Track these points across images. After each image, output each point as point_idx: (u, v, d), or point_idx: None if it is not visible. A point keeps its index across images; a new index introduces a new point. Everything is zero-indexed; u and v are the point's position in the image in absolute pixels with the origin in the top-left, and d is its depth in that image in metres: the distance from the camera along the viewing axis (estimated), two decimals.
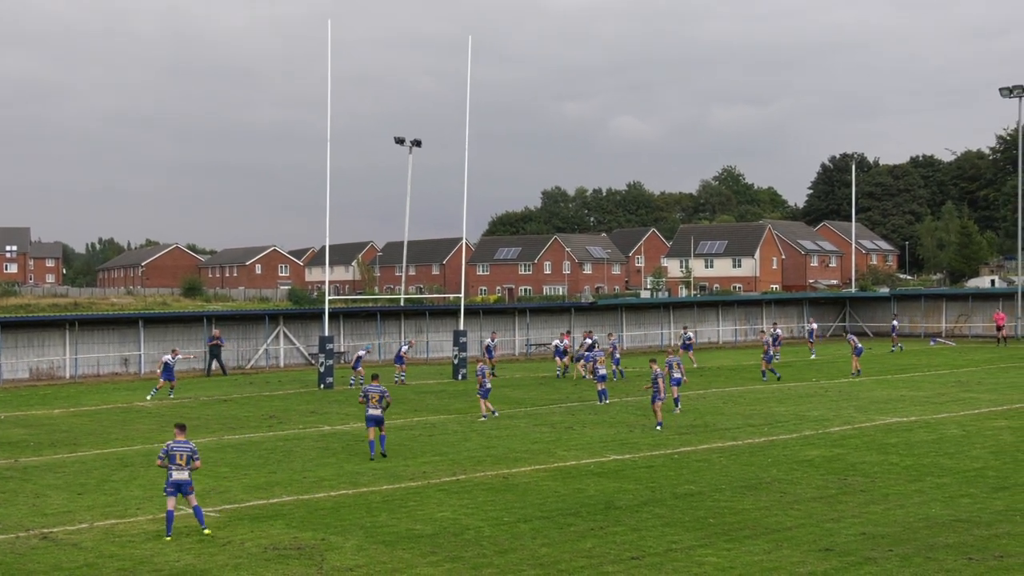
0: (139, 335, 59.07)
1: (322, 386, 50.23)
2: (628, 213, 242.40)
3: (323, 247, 70.31)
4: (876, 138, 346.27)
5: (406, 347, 53.51)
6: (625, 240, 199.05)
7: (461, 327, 56.56)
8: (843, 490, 25.02)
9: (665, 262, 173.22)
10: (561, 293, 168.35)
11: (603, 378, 43.81)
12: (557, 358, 55.67)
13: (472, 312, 68.39)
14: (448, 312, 68.89)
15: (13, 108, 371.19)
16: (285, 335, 63.34)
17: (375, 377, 31.78)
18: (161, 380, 46.16)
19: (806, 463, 28.64)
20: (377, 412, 30.25)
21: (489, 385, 38.51)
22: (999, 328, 70.65)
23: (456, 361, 55.11)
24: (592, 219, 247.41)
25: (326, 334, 52.85)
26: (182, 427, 22.77)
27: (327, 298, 55.05)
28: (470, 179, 56.51)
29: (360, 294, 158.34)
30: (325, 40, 51.47)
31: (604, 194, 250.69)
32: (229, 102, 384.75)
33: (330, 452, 31.67)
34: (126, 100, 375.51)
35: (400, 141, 63.51)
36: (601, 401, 42.72)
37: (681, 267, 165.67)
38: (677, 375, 40.07)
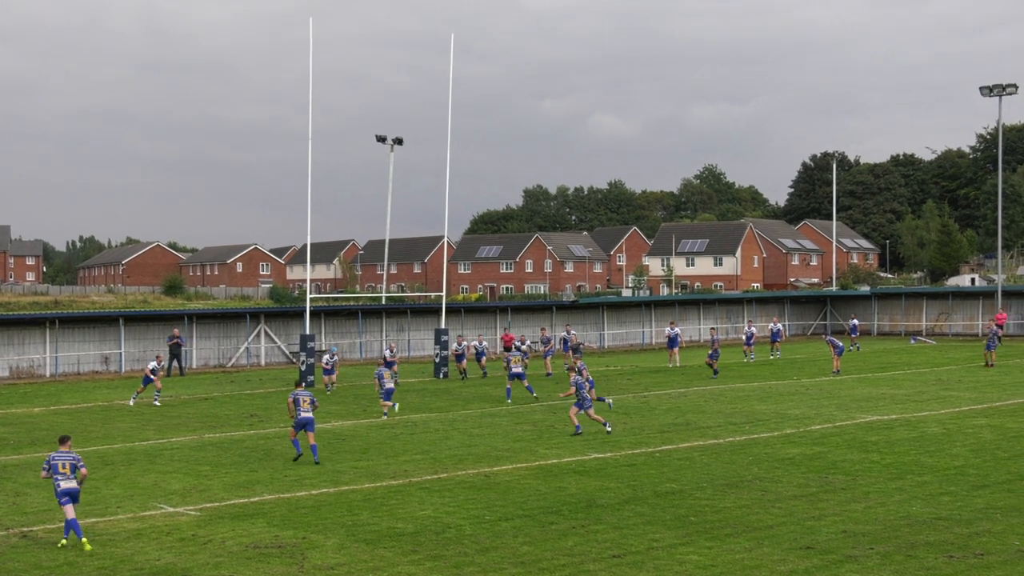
0: (120, 333, 58.92)
1: (303, 385, 50.11)
2: (609, 212, 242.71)
3: (305, 245, 70.31)
4: (856, 136, 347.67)
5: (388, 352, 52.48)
6: (606, 239, 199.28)
7: (443, 325, 56.53)
8: (824, 488, 25.06)
9: (647, 260, 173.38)
10: (543, 291, 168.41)
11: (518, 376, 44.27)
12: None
13: (454, 310, 68.36)
14: (430, 311, 68.83)
15: None
16: (266, 333, 63.25)
17: (299, 383, 32.51)
18: (143, 385, 44.78)
19: (787, 461, 28.68)
20: (309, 415, 29.95)
21: (390, 385, 39.39)
22: (1000, 327, 69.46)
23: (438, 359, 55.06)
24: (574, 217, 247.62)
25: (307, 332, 52.76)
26: (64, 439, 22.43)
27: (308, 296, 54.94)
28: (451, 177, 56.40)
29: (342, 292, 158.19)
30: (303, 36, 51.69)
31: (585, 192, 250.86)
32: (208, 98, 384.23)
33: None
34: (104, 96, 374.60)
35: (382, 139, 63.26)
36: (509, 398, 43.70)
37: (663, 265, 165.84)
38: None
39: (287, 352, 63.15)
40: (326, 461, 29.63)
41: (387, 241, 76.94)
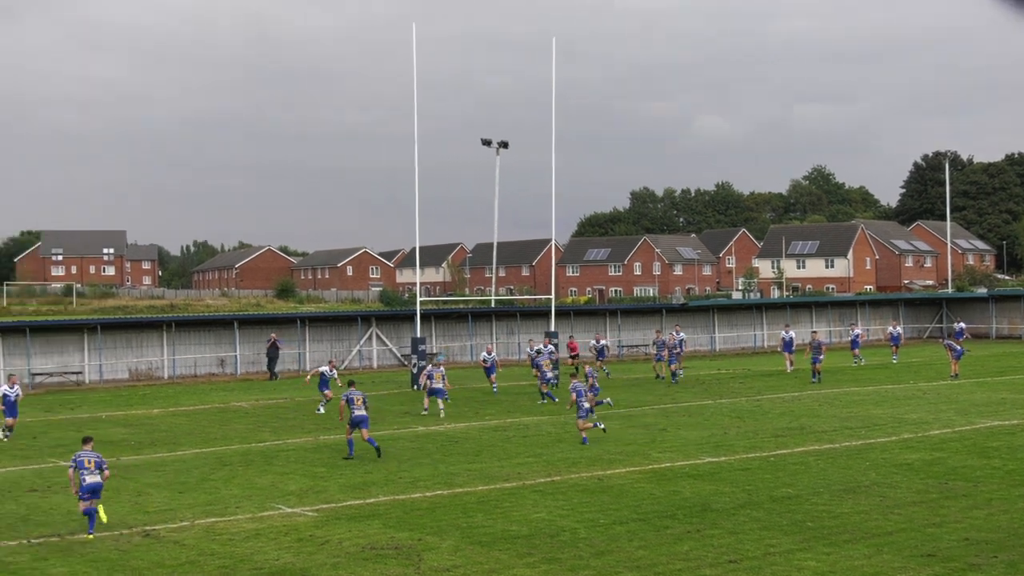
0: (234, 336, 59.75)
1: (415, 387, 50.39)
2: (717, 213, 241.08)
3: (414, 249, 70.58)
4: (968, 135, 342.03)
5: (485, 354, 50.88)
6: (715, 241, 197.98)
7: (552, 328, 56.56)
8: (944, 495, 24.68)
9: (756, 263, 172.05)
10: (652, 294, 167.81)
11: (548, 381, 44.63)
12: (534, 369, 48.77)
13: (563, 313, 68.39)
14: (539, 313, 68.91)
15: (105, 112, 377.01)
16: (378, 336, 63.73)
17: (352, 384, 32.83)
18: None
19: (905, 467, 28.31)
20: (362, 413, 31.15)
21: (587, 405, 34.34)
22: None
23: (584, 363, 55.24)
24: (681, 220, 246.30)
25: (418, 335, 53.07)
26: (87, 440, 23.67)
27: (418, 299, 55.34)
28: (557, 180, 56.40)
29: (451, 295, 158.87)
30: (406, 41, 51.74)
31: (693, 194, 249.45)
32: (315, 103, 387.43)
33: (425, 452, 31.82)
34: (214, 102, 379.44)
35: (487, 143, 63.42)
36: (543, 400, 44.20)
37: (773, 268, 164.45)
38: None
39: (398, 355, 63.57)
40: (439, 463, 29.82)
41: (495, 244, 77.24)
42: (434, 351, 57.60)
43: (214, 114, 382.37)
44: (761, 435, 34.25)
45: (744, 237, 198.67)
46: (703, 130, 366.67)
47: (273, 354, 57.61)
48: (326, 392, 41.77)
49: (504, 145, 64.43)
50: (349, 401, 31.53)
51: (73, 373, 55.30)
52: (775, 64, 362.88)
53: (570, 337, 60.16)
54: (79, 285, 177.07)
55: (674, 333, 55.08)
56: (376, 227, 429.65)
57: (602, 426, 34.06)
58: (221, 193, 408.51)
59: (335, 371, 43.71)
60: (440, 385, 40.14)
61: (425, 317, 62.40)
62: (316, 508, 24.27)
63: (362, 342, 63.21)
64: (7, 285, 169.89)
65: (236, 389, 51.88)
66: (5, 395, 35.04)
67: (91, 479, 22.46)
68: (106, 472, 23.02)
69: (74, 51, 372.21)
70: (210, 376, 58.44)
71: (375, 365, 63.28)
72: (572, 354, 56.38)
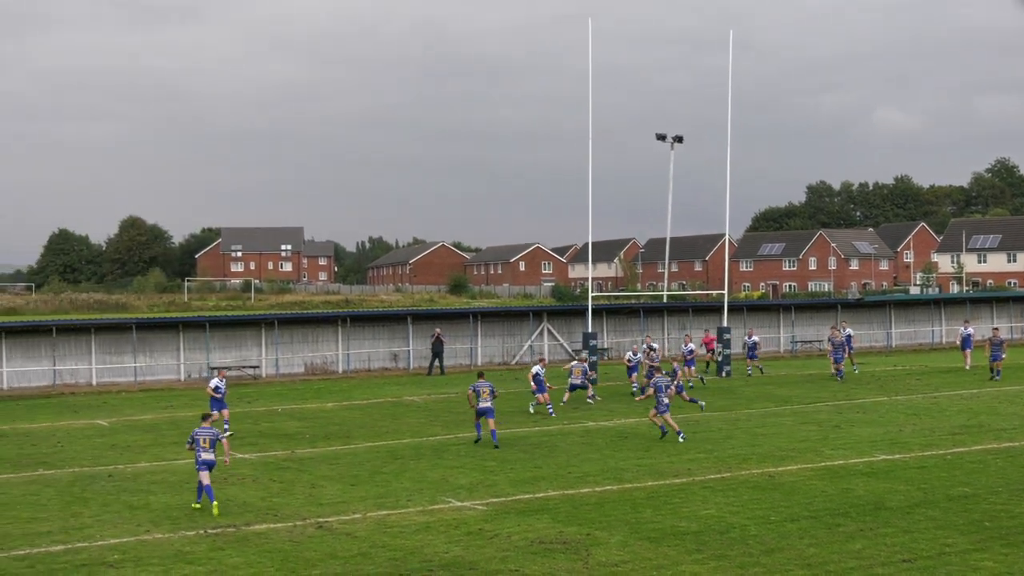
0: (408, 331, 60.44)
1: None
2: (896, 207, 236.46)
3: (586, 244, 70.72)
4: None
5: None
6: (893, 235, 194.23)
7: (725, 324, 56.08)
8: None
9: (935, 257, 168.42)
10: (827, 289, 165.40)
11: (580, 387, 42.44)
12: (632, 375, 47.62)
13: (736, 309, 67.78)
14: (711, 309, 68.42)
15: (283, 110, 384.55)
16: (549, 331, 63.88)
17: (481, 375, 34.84)
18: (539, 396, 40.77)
19: None
20: (487, 404, 32.59)
21: (667, 400, 33.26)
22: None
23: (719, 358, 54.63)
24: (858, 214, 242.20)
25: (590, 330, 53.06)
26: (206, 416, 25.99)
27: (590, 295, 55.24)
28: (732, 174, 55.86)
29: (622, 291, 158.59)
30: (579, 38, 51.61)
31: (870, 188, 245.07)
32: (487, 100, 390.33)
33: (594, 447, 31.82)
34: (387, 100, 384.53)
35: (662, 138, 63.04)
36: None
37: (952, 262, 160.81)
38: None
39: (569, 350, 63.63)
40: (608, 458, 29.81)
41: (668, 239, 76.73)
42: (599, 344, 57.43)
43: (389, 112, 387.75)
44: (938, 433, 33.53)
45: (923, 231, 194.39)
46: (881, 122, 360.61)
47: (438, 349, 58.03)
48: (539, 396, 40.49)
49: (679, 140, 63.99)
50: (476, 392, 32.95)
51: (251, 367, 56.51)
52: (955, 54, 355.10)
53: (706, 331, 59.63)
54: (257, 281, 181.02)
55: (840, 329, 53.83)
56: (549, 223, 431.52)
57: (667, 432, 33.14)
58: (396, 190, 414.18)
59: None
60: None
61: (597, 312, 62.34)
62: (486, 502, 24.43)
63: (533, 337, 63.43)
64: (188, 281, 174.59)
65: (409, 383, 52.49)
66: (217, 387, 35.84)
67: (205, 456, 24.49)
68: (224, 440, 25.45)
69: (254, 51, 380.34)
70: (383, 370, 59.19)
71: (546, 360, 63.36)
72: (708, 350, 55.57)
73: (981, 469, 27.37)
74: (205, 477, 24.41)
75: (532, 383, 40.08)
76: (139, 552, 20.43)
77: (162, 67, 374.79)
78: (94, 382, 53.38)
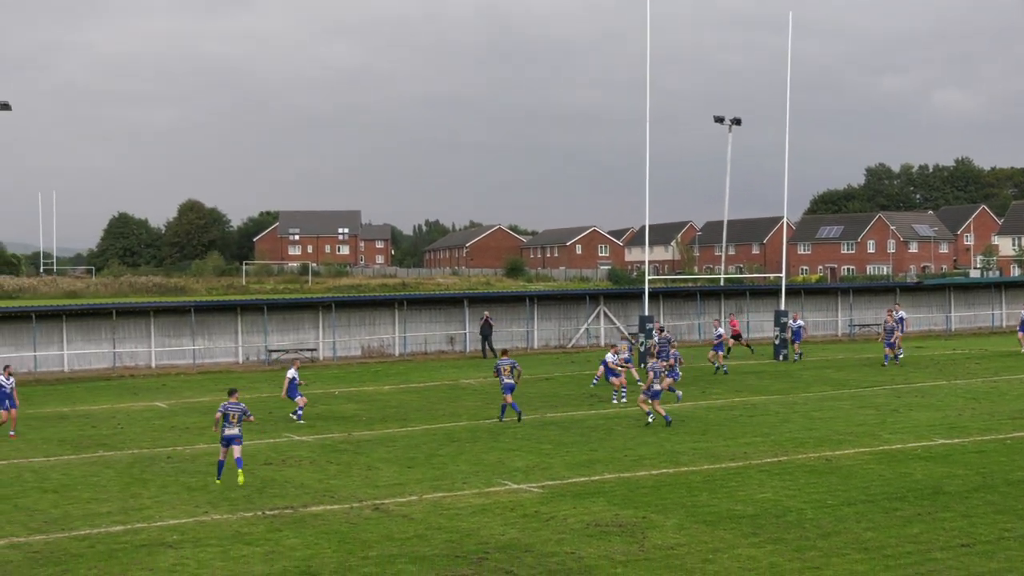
0: (464, 314, 60.56)
1: (642, 365, 50.32)
2: (956, 190, 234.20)
3: (643, 227, 70.55)
4: None
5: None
6: (953, 218, 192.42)
7: (782, 307, 55.80)
8: None
9: (996, 240, 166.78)
10: (885, 273, 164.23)
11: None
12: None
13: (793, 292, 67.45)
14: (769, 292, 68.12)
15: (340, 95, 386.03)
16: (605, 315, 63.82)
17: (505, 352, 36.32)
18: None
19: None
20: (510, 381, 34.06)
21: (658, 387, 33.45)
22: None
23: (777, 341, 54.35)
24: (918, 196, 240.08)
25: (646, 314, 52.97)
26: (233, 391, 26.65)
27: (647, 278, 55.12)
28: (790, 157, 55.49)
29: (679, 274, 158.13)
30: (636, 20, 51.53)
31: (930, 170, 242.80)
32: (544, 83, 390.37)
33: (650, 431, 31.76)
34: (447, 84, 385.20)
35: (720, 120, 62.77)
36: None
37: (1013, 245, 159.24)
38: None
39: (626, 333, 63.54)
40: (664, 441, 29.77)
41: (725, 222, 76.43)
42: (654, 328, 57.13)
43: (447, 95, 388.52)
44: (997, 417, 33.24)
45: (983, 214, 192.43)
46: (942, 103, 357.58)
47: (486, 332, 58.06)
48: (612, 380, 40.21)
49: (737, 122, 63.71)
50: (498, 370, 34.41)
51: (308, 350, 56.80)
52: (1018, 34, 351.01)
53: (730, 315, 59.22)
54: (315, 264, 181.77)
55: (893, 312, 52.96)
56: (605, 206, 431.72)
57: (652, 418, 32.81)
58: (453, 172, 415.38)
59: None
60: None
61: (653, 295, 62.18)
62: (541, 484, 24.47)
63: (590, 320, 63.41)
64: (246, 264, 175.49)
65: (465, 366, 52.60)
66: (293, 378, 36.03)
67: (229, 431, 25.62)
68: (250, 417, 26.30)
69: (315, 35, 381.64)
70: (440, 353, 59.34)
71: (602, 343, 63.29)
72: (734, 334, 54.76)
73: None
74: (223, 453, 25.73)
75: (601, 367, 40.73)
76: (198, 533, 20.61)
77: (223, 52, 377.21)
78: (153, 364, 53.86)
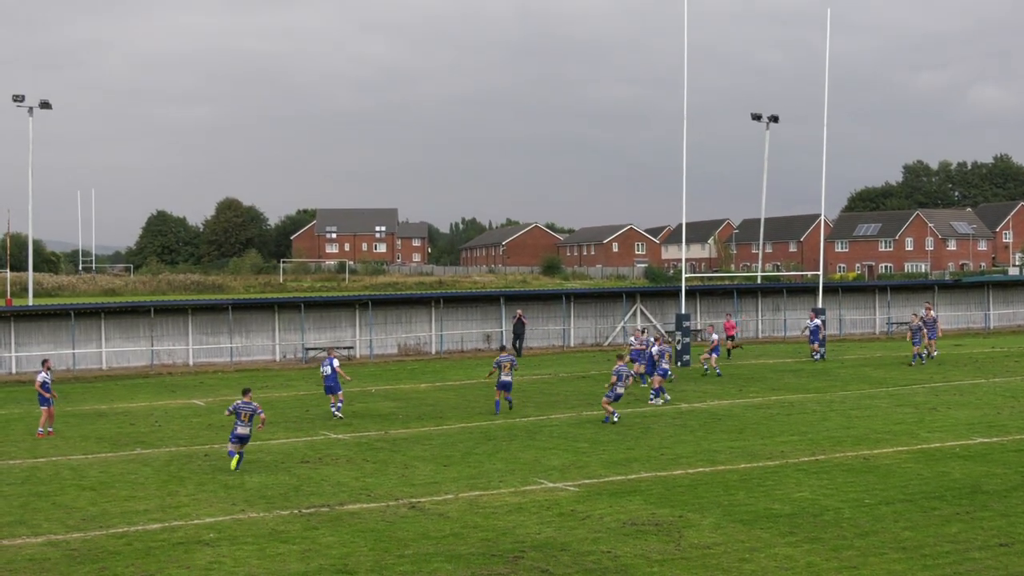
0: (500, 312, 60.57)
1: (679, 364, 50.26)
2: (995, 187, 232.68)
3: (679, 225, 70.49)
4: None
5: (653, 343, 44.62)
6: (992, 215, 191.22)
7: (819, 305, 55.55)
8: None
9: None
10: (923, 270, 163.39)
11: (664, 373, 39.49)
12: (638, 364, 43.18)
13: (830, 290, 67.20)
14: (806, 290, 67.87)
15: (378, 92, 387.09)
16: (642, 312, 63.71)
17: (503, 348, 39.11)
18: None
19: None
20: (508, 379, 35.63)
21: (621, 391, 33.65)
22: None
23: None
24: (956, 193, 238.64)
25: (683, 311, 52.85)
26: (247, 391, 27.71)
27: (683, 276, 55.01)
28: (828, 154, 55.24)
29: (716, 271, 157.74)
30: (673, 16, 51.45)
31: (969, 167, 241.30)
32: (581, 80, 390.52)
33: (688, 429, 31.71)
34: (484, 81, 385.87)
35: (757, 117, 62.82)
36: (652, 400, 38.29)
37: None
38: (665, 366, 39.22)
39: (663, 331, 63.40)
40: (701, 440, 29.72)
41: (762, 220, 76.39)
42: (692, 325, 57.01)
43: (483, 92, 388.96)
44: None
45: (1022, 211, 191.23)
46: (981, 100, 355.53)
47: (519, 330, 57.92)
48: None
49: (774, 119, 63.72)
50: (499, 366, 35.82)
51: (345, 348, 56.91)
52: None
53: (727, 315, 58.88)
54: (352, 262, 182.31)
55: (924, 312, 52.30)
56: (642, 203, 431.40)
57: (616, 419, 33.12)
58: (490, 170, 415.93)
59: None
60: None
61: (690, 293, 62.04)
62: (578, 483, 24.45)
63: (626, 318, 63.30)
64: (283, 262, 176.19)
65: None
66: (324, 370, 36.29)
67: (241, 430, 26.66)
68: (261, 415, 27.17)
69: (348, 33, 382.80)
70: (476, 351, 59.34)
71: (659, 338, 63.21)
72: (729, 335, 54.20)
73: None
74: (235, 447, 26.78)
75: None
76: (234, 531, 20.68)
77: (261, 49, 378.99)
78: (191, 362, 54.07)
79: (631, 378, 34.70)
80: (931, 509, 21.21)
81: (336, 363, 36.10)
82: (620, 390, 33.39)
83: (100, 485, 25.32)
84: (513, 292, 66.21)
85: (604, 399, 33.60)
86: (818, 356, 51.77)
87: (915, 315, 51.42)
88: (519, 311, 58.69)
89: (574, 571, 17.67)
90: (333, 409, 35.70)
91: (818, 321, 53.38)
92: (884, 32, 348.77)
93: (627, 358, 36.10)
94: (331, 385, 35.77)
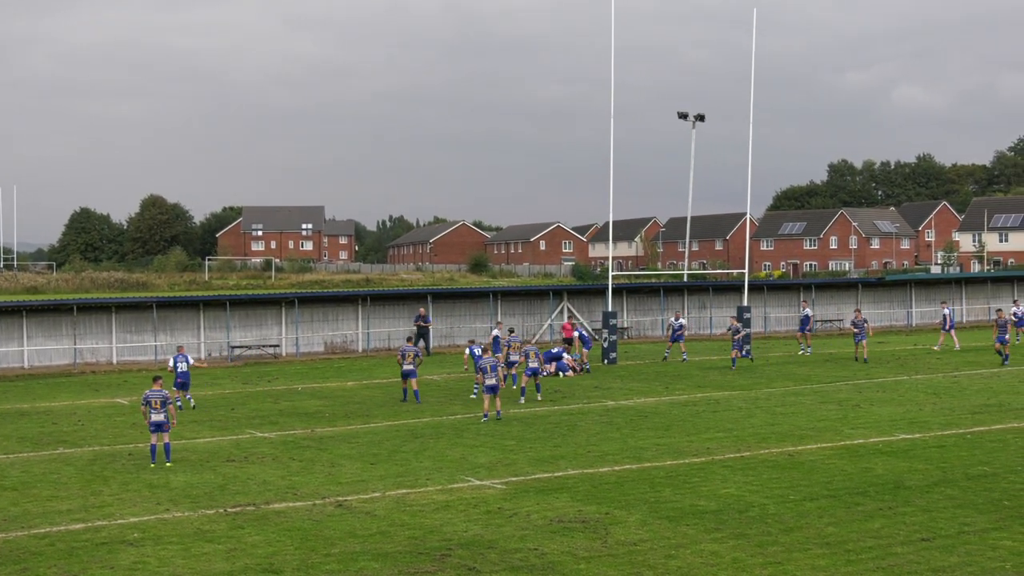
0: (428, 310, 60.42)
1: (606, 361, 50.47)
2: (918, 186, 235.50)
3: (607, 223, 70.68)
4: None
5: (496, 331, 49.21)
6: (914, 214, 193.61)
7: (745, 303, 55.95)
8: None
9: (957, 236, 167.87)
10: (847, 268, 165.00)
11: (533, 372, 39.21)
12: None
13: (756, 288, 67.70)
14: (732, 288, 68.32)
15: (304, 90, 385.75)
16: (569, 311, 63.83)
17: (409, 339, 41.74)
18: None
19: None
20: (411, 367, 37.37)
21: (492, 382, 33.88)
22: None
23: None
24: (880, 192, 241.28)
25: (610, 309, 53.02)
26: (157, 378, 27.87)
27: (610, 274, 55.23)
28: (754, 153, 55.56)
29: (643, 270, 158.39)
30: (601, 15, 51.57)
31: (892, 167, 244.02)
32: (509, 78, 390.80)
33: (614, 427, 31.81)
34: (410, 78, 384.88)
35: (683, 116, 62.93)
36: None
37: (974, 241, 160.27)
38: (534, 364, 39.02)
39: (590, 329, 63.57)
40: (628, 437, 29.82)
41: (688, 218, 76.72)
42: (619, 323, 57.11)
43: (411, 90, 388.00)
44: (958, 412, 33.43)
45: (945, 210, 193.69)
46: (904, 100, 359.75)
47: (423, 330, 55.65)
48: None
49: (700, 118, 63.91)
50: (403, 355, 37.45)
51: (271, 346, 56.63)
52: (980, 32, 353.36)
53: (569, 317, 59.05)
54: (278, 260, 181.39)
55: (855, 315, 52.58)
56: (570, 202, 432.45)
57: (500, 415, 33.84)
58: (417, 168, 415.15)
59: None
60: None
61: (617, 291, 62.26)
62: (505, 481, 24.46)
63: (553, 316, 63.39)
64: (209, 260, 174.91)
65: (429, 363, 52.42)
66: (181, 371, 36.38)
67: (155, 417, 26.81)
68: (171, 408, 27.16)
69: (278, 29, 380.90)
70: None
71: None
72: (566, 337, 51.19)
73: (1001, 448, 27.30)
74: (154, 438, 26.94)
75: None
76: (159, 530, 20.51)
77: (187, 45, 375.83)
78: (115, 361, 53.56)
79: (495, 368, 34.25)
80: (854, 505, 21.40)
81: (191, 359, 37.83)
82: (491, 381, 33.66)
83: (21, 485, 25.02)
84: (440, 290, 66.09)
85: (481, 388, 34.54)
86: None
87: (858, 312, 51.78)
88: (421, 309, 57.72)
89: (501, 568, 17.67)
90: (188, 398, 37.63)
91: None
92: (811, 32, 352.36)
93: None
94: (184, 381, 36.90)
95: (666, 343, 53.14)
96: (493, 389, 33.66)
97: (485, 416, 33.33)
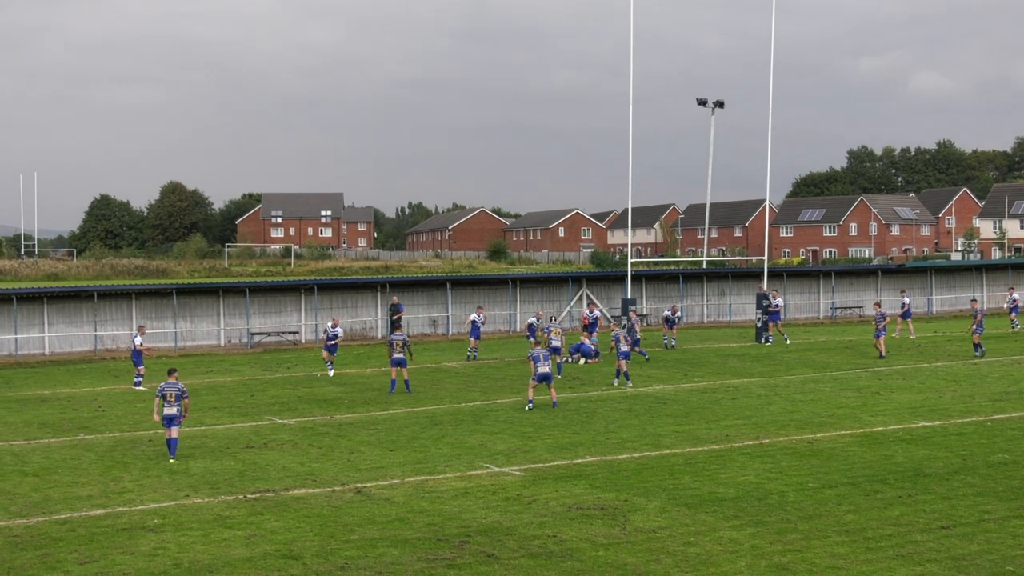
0: (447, 297, 60.50)
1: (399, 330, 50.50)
2: (938, 172, 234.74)
3: (625, 210, 70.58)
4: None
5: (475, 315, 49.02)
6: (935, 200, 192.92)
7: (764, 289, 55.85)
8: None
9: (977, 223, 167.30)
10: (867, 255, 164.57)
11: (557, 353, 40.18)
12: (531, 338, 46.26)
13: (775, 275, 67.58)
14: (751, 275, 68.21)
15: (322, 77, 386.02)
16: (588, 297, 63.81)
17: (399, 328, 43.44)
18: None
19: None
20: (400, 356, 36.99)
21: (547, 370, 32.93)
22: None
23: (759, 324, 54.40)
24: (900, 179, 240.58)
25: (629, 296, 52.96)
26: (172, 371, 27.26)
27: (629, 260, 55.18)
28: (773, 139, 55.45)
29: (662, 256, 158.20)
30: (617, 1, 51.47)
31: (912, 153, 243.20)
32: (527, 64, 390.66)
33: (633, 414, 31.79)
34: (427, 65, 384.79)
35: (703, 103, 62.77)
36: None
37: (994, 228, 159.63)
38: (556, 343, 40.22)
39: (608, 316, 63.55)
40: (646, 424, 29.80)
41: (708, 205, 76.47)
42: (638, 310, 57.10)
43: (431, 77, 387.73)
44: (978, 399, 33.33)
45: (965, 196, 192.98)
46: (924, 86, 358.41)
47: (396, 319, 54.34)
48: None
49: (720, 104, 63.73)
50: (391, 344, 37.42)
51: (290, 333, 56.75)
52: (1001, 17, 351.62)
53: (589, 304, 59.00)
54: (297, 247, 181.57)
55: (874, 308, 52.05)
56: (589, 189, 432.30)
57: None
58: (436, 155, 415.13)
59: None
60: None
61: (636, 278, 62.26)
62: (524, 468, 24.47)
63: (572, 303, 63.39)
64: (228, 247, 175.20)
65: (448, 349, 52.55)
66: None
67: (168, 410, 26.20)
68: (186, 401, 26.61)
69: (297, 18, 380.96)
70: (423, 336, 59.28)
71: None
72: (585, 324, 50.31)
73: (1021, 436, 27.20)
74: (171, 432, 26.26)
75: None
76: (179, 516, 20.57)
77: (207, 33, 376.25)
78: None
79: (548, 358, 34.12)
80: (874, 492, 21.36)
81: (139, 340, 40.17)
82: (543, 370, 32.83)
83: (42, 471, 25.12)
84: (459, 277, 66.14)
85: (530, 381, 33.28)
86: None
87: (877, 305, 51.25)
88: (395, 297, 56.85)
89: (519, 555, 17.68)
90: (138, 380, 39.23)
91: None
92: (831, 17, 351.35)
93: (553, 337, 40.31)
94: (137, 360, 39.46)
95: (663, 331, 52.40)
96: (547, 378, 32.90)
97: (530, 403, 33.07)
